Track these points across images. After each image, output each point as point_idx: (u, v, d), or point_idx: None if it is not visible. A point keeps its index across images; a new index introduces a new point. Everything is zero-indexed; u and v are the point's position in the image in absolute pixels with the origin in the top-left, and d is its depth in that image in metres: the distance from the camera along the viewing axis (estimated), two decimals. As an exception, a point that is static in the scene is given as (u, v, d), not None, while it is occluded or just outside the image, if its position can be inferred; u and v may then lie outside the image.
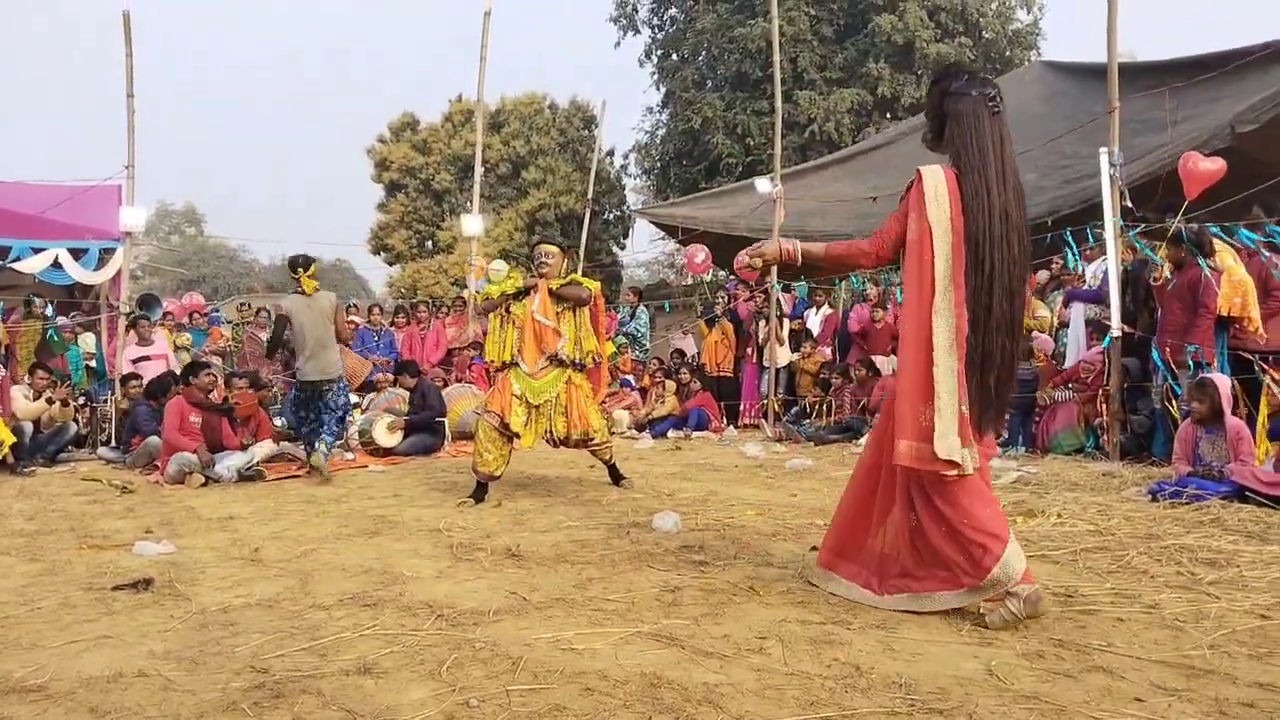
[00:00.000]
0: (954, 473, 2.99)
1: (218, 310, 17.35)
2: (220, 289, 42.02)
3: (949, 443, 2.95)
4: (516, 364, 5.94)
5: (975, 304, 3.04)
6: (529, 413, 5.87)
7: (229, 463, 7.33)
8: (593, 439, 6.03)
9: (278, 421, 9.40)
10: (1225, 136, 8.74)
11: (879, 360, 9.96)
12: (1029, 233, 3.17)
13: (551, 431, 5.93)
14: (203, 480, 7.05)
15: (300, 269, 7.31)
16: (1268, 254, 7.08)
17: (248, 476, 7.30)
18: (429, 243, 29.57)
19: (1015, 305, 3.06)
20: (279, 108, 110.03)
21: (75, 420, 9.37)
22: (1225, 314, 6.81)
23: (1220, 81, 10.00)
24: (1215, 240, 7.04)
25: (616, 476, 6.38)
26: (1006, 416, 3.70)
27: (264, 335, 12.31)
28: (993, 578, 2.95)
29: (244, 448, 7.74)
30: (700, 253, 13.37)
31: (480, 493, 5.86)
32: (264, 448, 8.03)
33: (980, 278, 3.02)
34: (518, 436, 5.85)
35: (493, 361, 6.18)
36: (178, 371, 9.31)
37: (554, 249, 6.08)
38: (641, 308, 14.45)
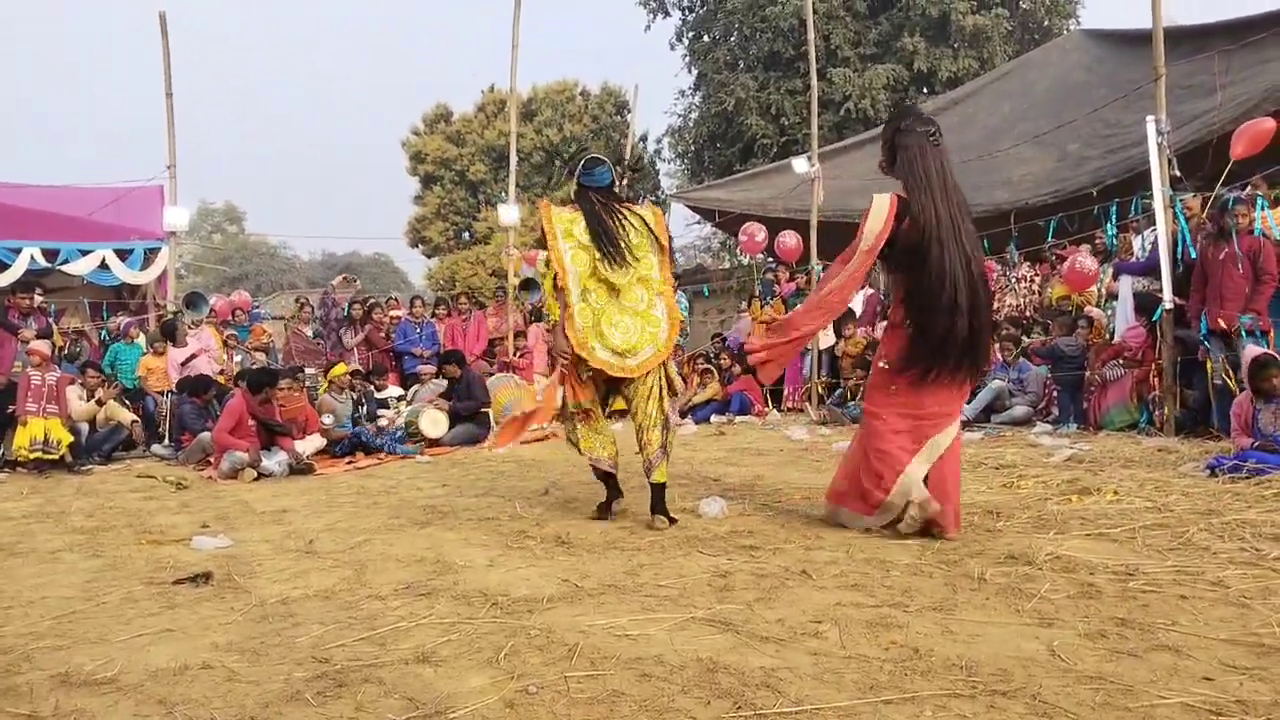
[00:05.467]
0: None
1: (258, 307, 17.62)
2: (263, 285, 42.72)
3: None
4: None
5: (923, 290, 3.85)
6: None
7: (279, 457, 7.44)
8: None
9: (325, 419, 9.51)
10: (1277, 99, 8.48)
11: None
12: (976, 230, 4.00)
13: None
14: (255, 475, 7.17)
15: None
16: None
17: (298, 470, 7.41)
18: (466, 234, 29.71)
19: (963, 289, 3.78)
20: (310, 105, 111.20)
21: (143, 421, 9.49)
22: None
23: (1270, 43, 9.71)
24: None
25: None
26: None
27: (308, 330, 12.46)
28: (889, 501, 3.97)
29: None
30: (760, 232, 13.11)
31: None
32: (313, 441, 8.14)
33: (927, 269, 3.80)
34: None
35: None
36: (226, 367, 9.49)
37: None
38: (679, 293, 14.41)
